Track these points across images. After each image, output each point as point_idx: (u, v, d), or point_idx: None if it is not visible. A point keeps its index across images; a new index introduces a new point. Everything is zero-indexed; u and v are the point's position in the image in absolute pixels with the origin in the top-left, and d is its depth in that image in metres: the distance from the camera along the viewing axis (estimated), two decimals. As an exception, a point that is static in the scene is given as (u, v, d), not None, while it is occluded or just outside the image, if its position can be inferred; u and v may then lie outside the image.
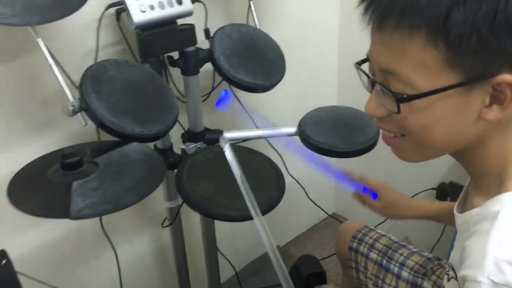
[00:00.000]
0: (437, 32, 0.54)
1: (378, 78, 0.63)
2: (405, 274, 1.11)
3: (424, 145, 0.64)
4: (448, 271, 0.86)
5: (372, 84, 0.65)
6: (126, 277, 1.42)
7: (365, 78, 0.67)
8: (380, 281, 1.15)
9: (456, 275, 0.71)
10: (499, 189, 0.61)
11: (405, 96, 0.59)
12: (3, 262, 0.77)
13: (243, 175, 0.83)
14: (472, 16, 0.52)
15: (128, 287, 1.43)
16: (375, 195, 1.13)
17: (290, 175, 1.61)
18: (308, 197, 1.72)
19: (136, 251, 1.48)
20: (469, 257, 0.59)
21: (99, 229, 1.28)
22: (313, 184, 1.76)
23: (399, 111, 0.60)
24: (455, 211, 0.73)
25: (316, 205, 1.76)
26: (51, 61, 0.95)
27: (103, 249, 1.36)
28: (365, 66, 0.68)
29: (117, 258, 1.31)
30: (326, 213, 1.90)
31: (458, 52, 0.54)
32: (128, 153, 0.93)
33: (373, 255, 1.17)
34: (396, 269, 1.13)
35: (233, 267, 1.70)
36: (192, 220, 1.57)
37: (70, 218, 0.74)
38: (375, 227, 1.26)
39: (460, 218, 0.70)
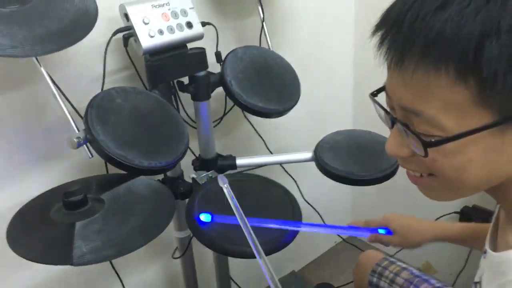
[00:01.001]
0: (467, 69, 0.48)
1: (399, 116, 0.57)
2: None
3: (456, 186, 0.58)
4: None
5: (392, 120, 0.59)
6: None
7: (381, 111, 0.60)
8: None
9: None
10: None
11: (433, 140, 0.53)
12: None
13: (243, 215, 0.77)
14: (508, 50, 0.46)
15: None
16: (389, 231, 1.09)
17: (305, 200, 1.55)
18: (322, 219, 1.65)
19: (145, 282, 1.42)
20: None
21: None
22: (329, 208, 1.70)
23: (426, 155, 0.54)
24: (487, 247, 0.67)
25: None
26: (55, 91, 0.90)
27: (111, 281, 1.31)
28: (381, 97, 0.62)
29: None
30: (342, 238, 1.83)
31: (493, 91, 0.48)
32: (135, 188, 0.88)
33: None
34: None
35: (247, 296, 1.64)
36: (205, 248, 1.51)
37: (72, 264, 0.69)
38: (395, 253, 1.19)
39: (494, 258, 0.63)
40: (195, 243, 1.35)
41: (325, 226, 1.12)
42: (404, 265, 1.15)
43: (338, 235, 1.77)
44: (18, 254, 0.71)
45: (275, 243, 0.95)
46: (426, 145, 0.53)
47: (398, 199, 1.69)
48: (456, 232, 1.04)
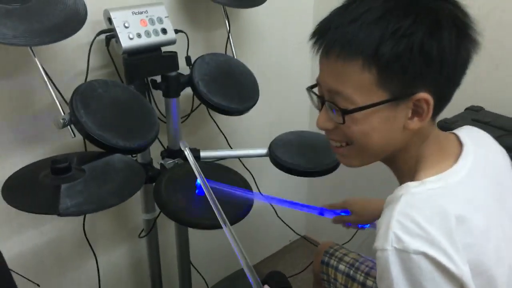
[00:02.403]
0: (371, 60, 0.70)
1: (327, 97, 0.78)
2: (369, 283, 1.20)
3: (365, 150, 0.79)
4: None
5: (322, 103, 0.79)
6: (104, 286, 1.49)
7: (315, 99, 0.82)
8: None
9: None
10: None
11: (348, 109, 0.74)
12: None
13: (202, 175, 0.96)
14: (398, 49, 0.68)
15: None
16: (347, 212, 1.28)
17: (261, 193, 1.71)
18: (278, 216, 1.82)
19: (114, 262, 1.55)
20: (379, 229, 0.72)
21: (80, 238, 1.36)
22: (283, 212, 1.87)
23: (344, 122, 0.75)
24: None
25: (287, 225, 1.86)
26: (45, 78, 1.06)
27: (83, 259, 1.44)
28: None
29: (97, 266, 1.39)
30: (298, 234, 2.00)
31: (387, 76, 0.70)
32: (112, 162, 1.03)
33: (341, 267, 1.26)
34: (361, 278, 1.22)
35: (206, 282, 1.78)
36: (168, 235, 1.65)
37: (59, 214, 0.84)
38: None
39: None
40: (160, 228, 1.50)
41: (295, 203, 1.28)
42: (352, 250, 1.33)
43: (294, 231, 1.94)
44: (12, 205, 0.85)
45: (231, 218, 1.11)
46: (344, 112, 0.74)
47: (348, 194, 1.87)
48: None
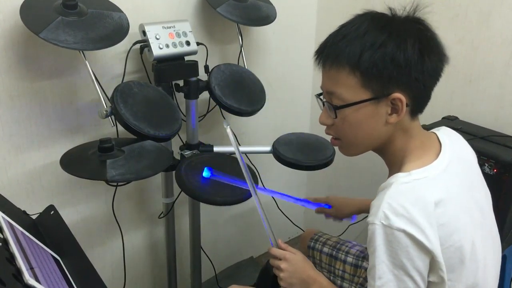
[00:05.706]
0: (355, 67, 0.90)
1: (326, 98, 0.99)
2: (349, 259, 1.41)
3: (354, 142, 0.99)
4: None
5: (323, 103, 1.01)
6: (122, 263, 1.71)
7: (320, 102, 1.03)
8: (332, 268, 1.45)
9: None
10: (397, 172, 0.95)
11: (338, 105, 0.95)
12: (52, 212, 1.07)
13: (239, 150, 1.15)
14: (374, 58, 0.88)
15: (127, 271, 1.72)
16: (329, 206, 1.50)
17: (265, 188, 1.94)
18: (280, 209, 2.02)
19: (135, 241, 1.78)
20: (372, 209, 0.90)
21: (108, 219, 1.58)
22: (284, 206, 2.08)
23: (336, 116, 0.96)
24: None
25: (288, 218, 2.06)
26: (93, 77, 1.30)
27: (109, 236, 1.67)
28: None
29: (123, 242, 1.61)
30: (302, 230, 2.18)
31: (368, 78, 0.90)
32: (145, 145, 1.26)
33: (325, 249, 1.47)
34: (342, 257, 1.43)
35: (214, 267, 1.99)
36: (181, 223, 1.88)
37: (107, 180, 1.07)
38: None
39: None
40: (175, 214, 1.73)
41: (286, 195, 1.48)
42: (334, 235, 1.54)
43: (295, 225, 2.14)
44: (70, 173, 1.09)
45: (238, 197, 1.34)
46: (335, 108, 0.94)
47: (343, 189, 2.09)
48: (368, 203, 1.43)
